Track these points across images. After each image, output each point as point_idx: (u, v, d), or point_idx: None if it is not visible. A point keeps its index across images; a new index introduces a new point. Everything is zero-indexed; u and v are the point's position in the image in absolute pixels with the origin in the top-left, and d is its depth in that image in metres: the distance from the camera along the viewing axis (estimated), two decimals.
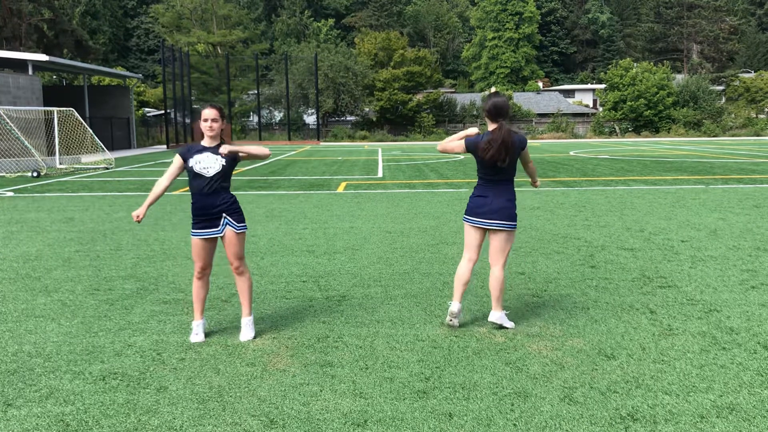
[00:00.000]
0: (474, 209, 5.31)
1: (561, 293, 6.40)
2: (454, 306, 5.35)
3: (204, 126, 5.01)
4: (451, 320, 5.36)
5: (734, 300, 6.11)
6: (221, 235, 5.06)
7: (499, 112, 5.18)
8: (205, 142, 5.07)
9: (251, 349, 4.94)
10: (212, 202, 5.00)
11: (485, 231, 5.37)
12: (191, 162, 4.99)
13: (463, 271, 5.41)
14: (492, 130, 5.19)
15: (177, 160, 5.10)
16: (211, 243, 5.13)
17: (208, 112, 5.00)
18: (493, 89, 61.39)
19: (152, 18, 70.15)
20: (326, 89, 52.69)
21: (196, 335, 5.15)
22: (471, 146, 5.27)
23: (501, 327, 5.35)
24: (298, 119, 55.96)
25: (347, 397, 4.10)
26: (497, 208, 5.23)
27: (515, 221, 5.29)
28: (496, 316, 5.33)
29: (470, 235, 5.41)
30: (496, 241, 5.34)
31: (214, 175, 4.97)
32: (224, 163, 4.99)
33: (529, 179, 5.75)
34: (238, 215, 5.10)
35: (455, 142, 5.38)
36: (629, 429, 3.65)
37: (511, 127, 5.25)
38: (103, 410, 3.94)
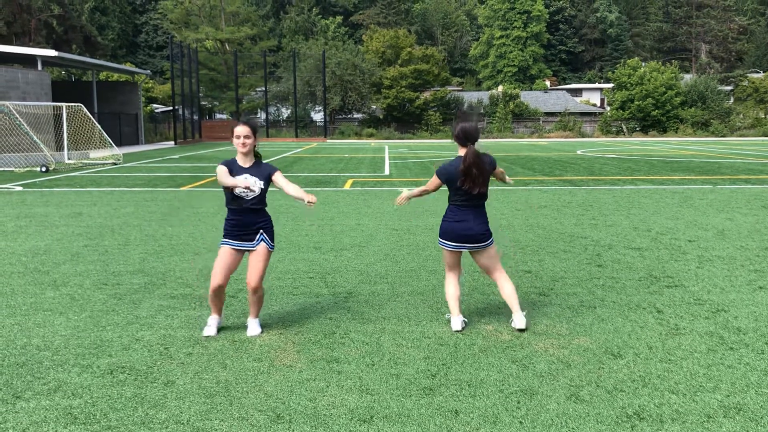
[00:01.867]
0: (454, 236, 5.23)
1: (568, 292, 6.39)
2: (457, 322, 5.27)
3: (237, 143, 5.06)
4: (457, 331, 5.30)
5: (742, 300, 6.09)
6: (254, 249, 5.12)
7: (467, 136, 5.12)
8: (240, 160, 5.12)
9: (258, 345, 4.96)
10: (252, 220, 5.09)
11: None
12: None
13: (453, 288, 5.36)
14: (463, 156, 5.12)
15: (223, 169, 5.03)
16: (240, 256, 5.17)
17: (241, 129, 5.04)
18: (500, 88, 61.28)
19: (161, 14, 70.31)
20: (334, 87, 52.70)
21: (209, 328, 5.19)
22: (444, 175, 5.22)
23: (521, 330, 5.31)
24: (306, 116, 56.01)
25: (353, 393, 4.11)
26: (480, 232, 5.23)
27: (491, 236, 5.35)
28: (523, 321, 5.26)
29: (452, 258, 5.38)
30: (485, 259, 5.36)
31: (253, 198, 5.05)
32: (262, 187, 5.05)
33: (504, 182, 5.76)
34: (272, 234, 5.21)
35: (425, 188, 5.42)
36: (635, 428, 3.65)
37: (478, 149, 5.17)
38: (110, 404, 3.96)
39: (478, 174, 5.09)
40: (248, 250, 5.14)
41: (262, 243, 5.13)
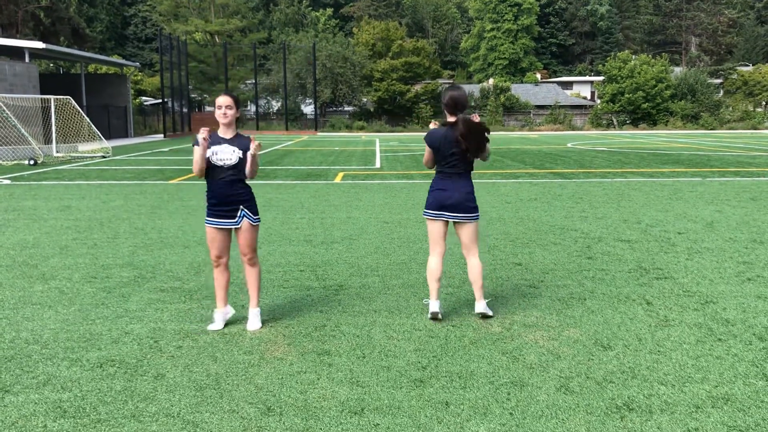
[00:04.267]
0: (435, 203, 5.30)
1: (558, 284, 6.41)
2: (435, 306, 5.31)
3: (218, 113, 5.00)
4: (434, 318, 5.34)
5: (730, 292, 6.13)
6: (239, 227, 5.10)
7: (456, 104, 5.19)
8: (221, 132, 5.07)
9: (248, 338, 4.95)
10: (229, 192, 5.04)
11: (448, 222, 5.39)
12: (209, 152, 5.01)
13: (435, 266, 5.36)
14: (452, 124, 5.20)
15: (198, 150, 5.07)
16: (227, 232, 5.18)
17: (222, 99, 5.00)
18: (491, 81, 61.27)
19: (150, 6, 69.81)
20: (324, 79, 52.52)
21: (214, 324, 5.16)
22: (433, 142, 5.26)
23: (485, 316, 5.36)
24: (296, 109, 55.80)
25: (344, 385, 4.11)
26: (458, 202, 5.25)
27: (477, 212, 5.36)
28: (482, 306, 5.37)
29: (435, 229, 5.39)
30: (465, 234, 5.37)
31: (231, 166, 5.00)
32: (241, 156, 5.00)
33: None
34: (254, 207, 5.17)
35: (426, 155, 5.43)
36: (625, 419, 3.67)
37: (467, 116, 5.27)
38: (100, 397, 3.95)
39: (476, 136, 5.12)
40: (233, 228, 5.13)
41: (245, 220, 5.09)
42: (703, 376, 4.25)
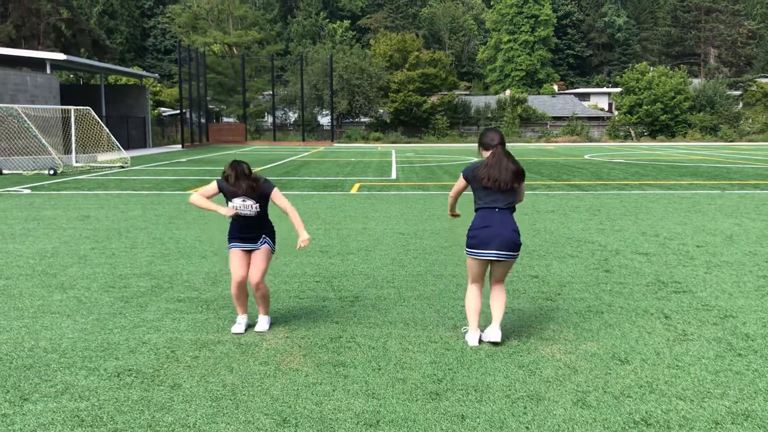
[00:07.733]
0: (479, 243, 4.93)
1: (575, 297, 6.37)
2: (475, 337, 5.04)
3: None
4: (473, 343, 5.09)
5: (750, 306, 6.06)
6: (258, 248, 5.33)
7: (493, 140, 5.02)
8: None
9: (264, 348, 4.96)
10: (253, 231, 5.33)
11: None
12: (230, 204, 5.24)
13: (474, 302, 5.07)
14: (487, 156, 5.00)
15: (214, 187, 5.33)
16: (249, 254, 5.36)
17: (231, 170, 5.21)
18: (508, 92, 61.26)
19: (169, 18, 70.59)
20: (341, 90, 52.73)
21: (238, 325, 5.37)
22: (469, 174, 5.04)
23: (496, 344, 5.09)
24: (313, 120, 56.06)
25: (360, 397, 4.10)
26: (505, 240, 4.89)
27: (519, 249, 5.02)
28: (498, 334, 5.03)
29: (477, 268, 5.05)
30: (501, 269, 5.07)
31: (252, 216, 5.25)
32: (258, 210, 5.24)
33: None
34: (274, 239, 5.48)
35: (455, 187, 5.27)
36: None
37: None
38: (117, 406, 3.97)
39: (505, 169, 4.89)
40: (252, 250, 5.35)
41: (265, 244, 5.38)
42: (723, 391, 4.19)
